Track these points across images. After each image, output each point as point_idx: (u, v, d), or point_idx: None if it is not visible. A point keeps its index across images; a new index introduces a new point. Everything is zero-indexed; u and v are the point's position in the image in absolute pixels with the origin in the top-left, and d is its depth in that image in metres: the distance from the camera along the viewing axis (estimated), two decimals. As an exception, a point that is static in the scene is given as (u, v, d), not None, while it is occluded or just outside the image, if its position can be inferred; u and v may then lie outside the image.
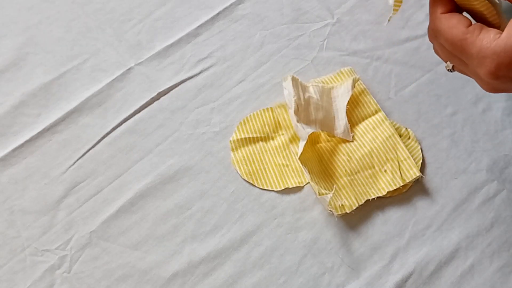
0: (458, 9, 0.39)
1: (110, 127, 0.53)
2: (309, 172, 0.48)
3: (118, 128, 0.53)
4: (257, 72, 0.56)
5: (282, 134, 0.53)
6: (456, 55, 0.39)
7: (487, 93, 0.54)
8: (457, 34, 0.37)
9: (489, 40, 0.36)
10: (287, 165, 0.51)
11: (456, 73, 0.43)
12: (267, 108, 0.54)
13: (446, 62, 0.42)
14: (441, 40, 0.39)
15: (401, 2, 0.42)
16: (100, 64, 0.56)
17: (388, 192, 0.49)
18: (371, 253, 0.48)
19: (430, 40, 0.42)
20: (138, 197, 0.50)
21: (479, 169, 0.52)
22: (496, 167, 0.52)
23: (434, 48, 0.43)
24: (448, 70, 0.43)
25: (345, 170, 0.50)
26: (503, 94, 0.54)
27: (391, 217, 0.49)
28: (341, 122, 0.52)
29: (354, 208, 0.48)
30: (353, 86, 0.53)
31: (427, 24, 0.58)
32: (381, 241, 0.48)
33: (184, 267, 0.47)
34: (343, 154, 0.51)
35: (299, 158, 0.49)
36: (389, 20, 0.44)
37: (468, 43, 0.37)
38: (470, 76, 0.41)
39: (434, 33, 0.39)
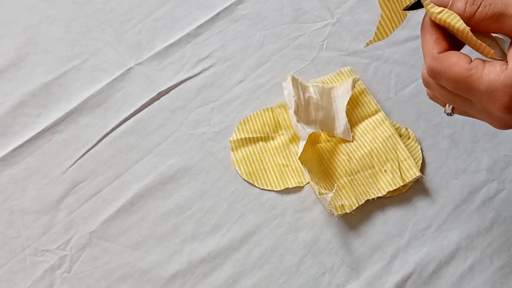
0: (453, 46, 0.38)
1: (110, 127, 0.53)
2: (309, 172, 0.48)
3: (118, 128, 0.53)
4: (257, 72, 0.56)
5: (282, 134, 0.53)
6: (460, 95, 0.37)
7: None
8: (460, 71, 0.35)
9: (496, 73, 0.34)
10: (287, 165, 0.51)
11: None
12: (267, 108, 0.54)
13: (445, 106, 0.40)
14: (442, 81, 0.37)
15: (386, 36, 0.42)
16: (100, 64, 0.56)
17: (388, 192, 0.49)
18: (371, 253, 0.48)
19: (426, 85, 0.40)
20: (138, 197, 0.50)
21: (479, 169, 0.52)
22: (496, 167, 0.52)
23: (429, 94, 0.41)
24: (447, 114, 0.41)
25: (345, 170, 0.50)
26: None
27: (391, 217, 0.49)
28: (341, 122, 0.52)
29: (354, 208, 0.48)
30: (353, 86, 0.53)
31: (427, 24, 0.58)
32: (381, 241, 0.48)
33: (184, 267, 0.47)
34: (343, 154, 0.51)
35: (299, 158, 0.49)
36: (367, 45, 0.43)
37: (474, 79, 0.35)
38: (474, 116, 0.39)
39: (433, 75, 0.37)
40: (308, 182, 0.50)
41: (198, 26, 0.58)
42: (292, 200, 0.50)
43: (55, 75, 0.55)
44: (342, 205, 0.48)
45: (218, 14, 0.59)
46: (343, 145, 0.52)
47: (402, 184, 0.49)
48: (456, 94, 0.37)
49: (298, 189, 0.50)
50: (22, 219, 0.49)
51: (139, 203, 0.49)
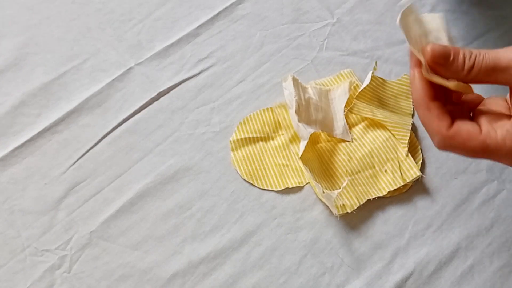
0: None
1: (110, 127, 0.53)
2: (310, 171, 0.48)
3: (118, 128, 0.53)
4: (257, 72, 0.56)
5: (282, 134, 0.53)
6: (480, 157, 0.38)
7: (487, 93, 0.54)
8: (475, 146, 0.36)
9: (510, 137, 0.35)
10: (287, 165, 0.51)
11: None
12: (267, 108, 0.54)
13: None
14: (460, 153, 0.37)
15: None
16: (100, 64, 0.56)
17: (388, 192, 0.49)
18: (371, 253, 0.48)
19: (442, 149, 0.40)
20: (138, 197, 0.50)
21: (479, 169, 0.52)
22: (496, 167, 0.52)
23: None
24: None
25: (346, 170, 0.50)
26: (504, 95, 0.54)
27: (391, 217, 0.49)
28: (339, 123, 0.52)
29: (355, 208, 0.48)
30: (350, 88, 0.53)
31: (427, 24, 0.58)
32: (381, 241, 0.48)
33: (184, 267, 0.47)
34: (344, 154, 0.51)
35: (300, 158, 0.49)
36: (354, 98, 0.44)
37: (491, 149, 0.35)
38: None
39: (447, 149, 0.37)
40: (308, 182, 0.50)
41: (198, 26, 0.58)
42: (292, 200, 0.50)
43: (55, 75, 0.55)
44: (343, 205, 0.48)
45: (218, 14, 0.59)
46: (343, 145, 0.52)
47: (402, 184, 0.49)
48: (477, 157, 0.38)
49: (298, 189, 0.50)
50: (22, 219, 0.49)
51: (139, 203, 0.49)
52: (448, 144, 0.37)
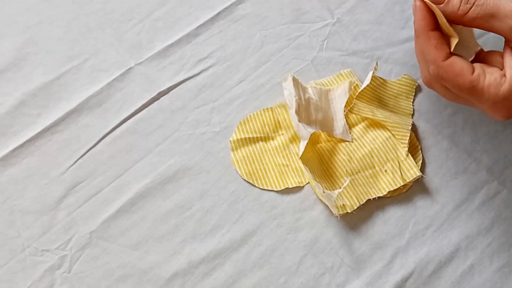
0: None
1: (110, 127, 0.53)
2: (310, 171, 0.48)
3: (118, 128, 0.53)
4: (257, 72, 0.56)
5: (282, 134, 0.53)
6: (463, 98, 0.40)
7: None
8: (463, 82, 0.38)
9: (496, 85, 0.37)
10: (287, 165, 0.51)
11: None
12: (267, 108, 0.54)
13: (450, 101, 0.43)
14: (448, 85, 0.39)
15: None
16: (100, 64, 0.56)
17: (388, 192, 0.49)
18: (371, 253, 0.48)
19: (429, 86, 0.43)
20: (138, 197, 0.50)
21: (479, 169, 0.52)
22: (496, 167, 0.52)
23: (424, 81, 0.43)
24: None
25: (346, 170, 0.50)
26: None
27: (391, 217, 0.49)
28: (339, 123, 0.52)
29: (355, 208, 0.48)
30: (350, 88, 0.53)
31: (427, 24, 0.58)
32: (381, 241, 0.48)
33: (184, 267, 0.47)
34: (344, 154, 0.51)
35: (300, 158, 0.49)
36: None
37: (476, 90, 0.38)
38: (468, 105, 0.42)
39: (438, 80, 0.40)
40: (308, 182, 0.50)
41: (198, 26, 0.58)
42: (292, 200, 0.50)
43: (55, 75, 0.55)
44: (343, 205, 0.48)
45: (218, 14, 0.59)
46: (343, 145, 0.52)
47: (402, 184, 0.49)
48: (459, 96, 0.40)
49: (298, 189, 0.50)
50: (22, 219, 0.49)
51: (139, 203, 0.49)
52: (440, 74, 0.38)
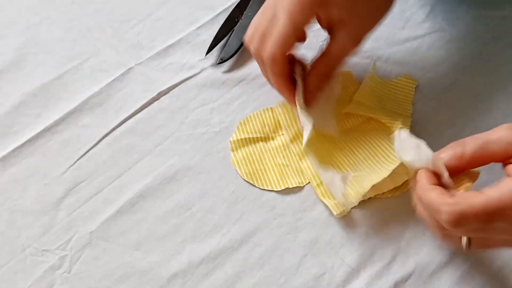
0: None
1: (110, 127, 0.53)
2: (315, 162, 0.48)
3: (118, 128, 0.53)
4: (257, 72, 0.56)
5: (282, 134, 0.53)
6: (490, 223, 0.38)
7: (487, 93, 0.54)
8: (482, 201, 0.37)
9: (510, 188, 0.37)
10: (287, 165, 0.51)
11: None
12: (267, 108, 0.54)
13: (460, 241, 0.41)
14: (469, 221, 0.37)
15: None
16: (100, 64, 0.56)
17: (388, 192, 0.49)
18: (371, 253, 0.48)
19: (447, 239, 0.42)
20: (138, 197, 0.50)
21: (479, 169, 0.52)
22: (496, 167, 0.52)
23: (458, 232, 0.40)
24: (465, 247, 0.41)
25: (348, 167, 0.50)
26: (503, 95, 0.54)
27: (391, 217, 0.49)
28: (329, 122, 0.52)
29: (356, 204, 0.48)
30: (340, 87, 0.52)
31: (427, 24, 0.59)
32: (381, 241, 0.48)
33: (184, 267, 0.47)
34: (345, 151, 0.51)
35: (304, 149, 0.49)
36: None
37: (496, 202, 0.37)
38: (493, 245, 0.41)
39: (457, 222, 0.37)
40: (308, 182, 0.50)
41: (199, 27, 0.58)
42: (292, 200, 0.50)
43: (55, 75, 0.55)
44: (347, 194, 0.48)
45: (218, 14, 0.59)
46: (345, 141, 0.51)
47: (404, 181, 0.49)
48: (484, 227, 0.38)
49: (298, 189, 0.50)
50: (22, 219, 0.49)
51: (139, 203, 0.49)
52: (457, 210, 0.37)
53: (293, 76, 0.49)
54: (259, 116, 0.54)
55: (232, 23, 0.58)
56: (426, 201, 0.39)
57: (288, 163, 0.51)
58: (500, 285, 0.47)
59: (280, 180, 0.50)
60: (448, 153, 0.40)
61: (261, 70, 0.49)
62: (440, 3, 0.60)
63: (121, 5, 0.59)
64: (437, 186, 0.39)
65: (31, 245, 0.48)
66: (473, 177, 0.42)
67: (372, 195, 0.49)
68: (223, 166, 0.51)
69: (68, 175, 0.50)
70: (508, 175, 0.38)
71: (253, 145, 0.52)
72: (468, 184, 0.41)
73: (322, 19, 0.47)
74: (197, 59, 0.56)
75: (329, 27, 0.47)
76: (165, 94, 0.55)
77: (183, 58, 0.56)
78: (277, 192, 0.50)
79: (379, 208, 0.50)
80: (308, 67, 0.50)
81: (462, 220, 0.37)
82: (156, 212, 0.49)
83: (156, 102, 0.54)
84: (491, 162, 0.40)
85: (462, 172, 0.41)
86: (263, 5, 0.49)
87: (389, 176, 0.50)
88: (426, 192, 0.39)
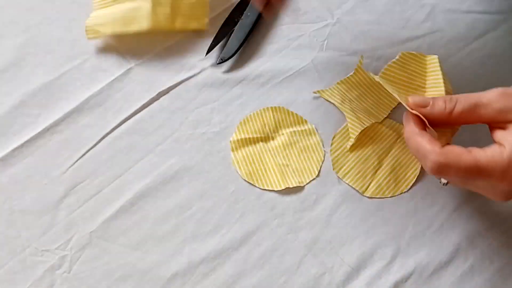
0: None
1: (110, 127, 0.53)
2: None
3: (118, 128, 0.53)
4: (257, 72, 0.56)
5: (282, 134, 0.53)
6: (470, 180, 0.40)
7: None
8: (469, 160, 0.38)
9: (498, 154, 0.38)
10: (287, 165, 0.51)
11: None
12: (267, 108, 0.54)
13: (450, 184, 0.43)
14: (451, 173, 0.39)
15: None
16: (100, 64, 0.56)
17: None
18: (371, 253, 0.48)
19: (438, 176, 0.42)
20: (138, 197, 0.50)
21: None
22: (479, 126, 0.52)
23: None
24: (443, 184, 0.43)
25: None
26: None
27: (391, 217, 0.49)
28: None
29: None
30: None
31: (427, 24, 0.59)
32: (381, 241, 0.48)
33: (184, 267, 0.47)
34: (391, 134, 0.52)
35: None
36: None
37: (481, 165, 0.38)
38: (473, 189, 0.42)
39: (440, 170, 0.39)
40: (309, 182, 0.50)
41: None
42: (292, 200, 0.50)
43: (55, 75, 0.55)
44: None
45: (218, 14, 0.59)
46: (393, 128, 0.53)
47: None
48: (464, 181, 0.41)
49: (298, 189, 0.50)
50: (22, 219, 0.49)
51: (139, 203, 0.49)
52: (443, 161, 0.38)
53: None
54: (259, 116, 0.54)
55: (232, 23, 0.58)
56: (414, 144, 0.40)
57: (288, 163, 0.51)
58: (500, 285, 0.47)
59: (280, 180, 0.50)
60: (439, 106, 0.41)
61: None
62: (441, 3, 0.60)
63: (121, 5, 0.59)
64: (426, 132, 0.40)
65: (31, 245, 0.48)
66: (454, 131, 0.43)
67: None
68: (223, 166, 0.51)
69: (68, 175, 0.50)
70: (497, 142, 0.39)
71: (253, 145, 0.52)
72: (449, 136, 0.42)
73: None
74: (197, 59, 0.56)
75: None
76: (165, 94, 0.55)
77: (183, 58, 0.56)
78: (277, 192, 0.50)
79: (379, 208, 0.50)
80: None
81: (444, 171, 0.39)
82: (156, 212, 0.49)
83: (156, 102, 0.54)
84: (477, 123, 0.41)
85: (446, 126, 0.42)
86: None
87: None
88: (415, 136, 0.40)
